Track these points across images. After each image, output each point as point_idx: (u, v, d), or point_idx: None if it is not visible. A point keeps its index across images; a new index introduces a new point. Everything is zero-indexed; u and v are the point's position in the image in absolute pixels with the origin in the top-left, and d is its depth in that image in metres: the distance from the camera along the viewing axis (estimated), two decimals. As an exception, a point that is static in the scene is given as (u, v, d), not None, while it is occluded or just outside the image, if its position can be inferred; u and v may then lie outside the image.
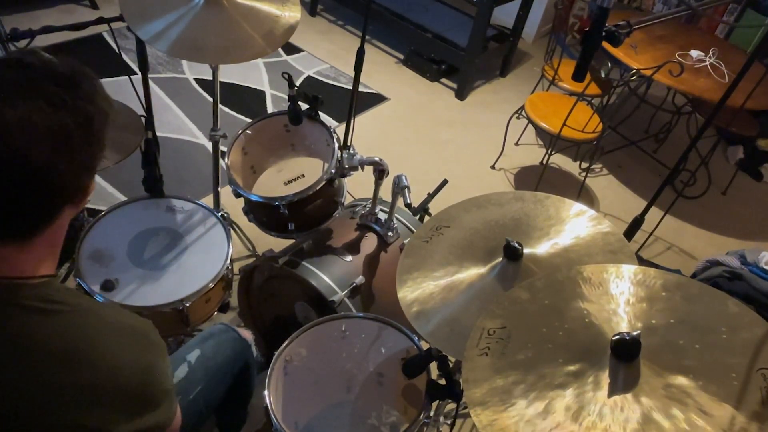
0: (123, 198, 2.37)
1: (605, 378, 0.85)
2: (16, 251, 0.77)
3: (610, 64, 2.81)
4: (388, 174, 1.67)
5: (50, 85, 0.74)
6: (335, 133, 1.70)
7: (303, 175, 1.75)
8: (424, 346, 1.39)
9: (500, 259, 1.21)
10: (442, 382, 1.23)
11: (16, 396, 0.74)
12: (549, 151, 2.93)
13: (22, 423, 0.75)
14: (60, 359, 0.76)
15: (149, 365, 0.85)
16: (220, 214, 1.74)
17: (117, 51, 2.94)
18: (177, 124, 2.95)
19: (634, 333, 0.85)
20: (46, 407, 0.75)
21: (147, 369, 0.84)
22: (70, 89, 0.75)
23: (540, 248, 1.23)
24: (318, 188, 1.62)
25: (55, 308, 0.78)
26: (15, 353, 0.75)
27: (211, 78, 1.83)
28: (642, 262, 2.70)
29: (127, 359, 0.82)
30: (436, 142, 3.28)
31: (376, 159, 1.64)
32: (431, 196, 2.07)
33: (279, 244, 1.84)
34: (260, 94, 3.32)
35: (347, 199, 1.81)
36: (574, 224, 1.28)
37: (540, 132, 3.48)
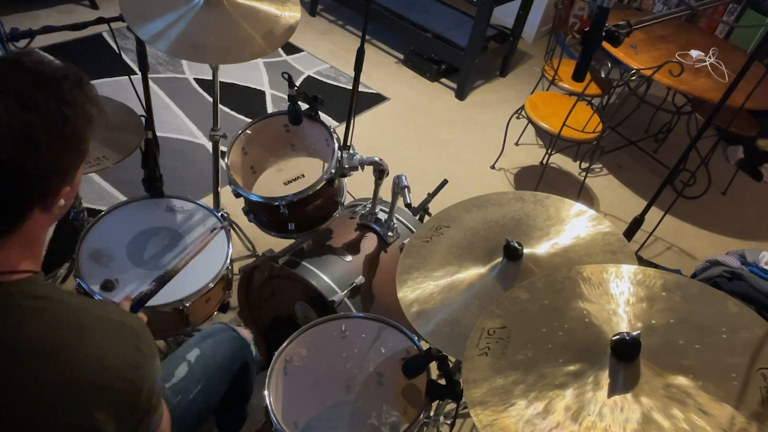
0: (123, 198, 2.37)
1: (605, 378, 0.85)
2: None
3: (610, 64, 2.81)
4: (388, 174, 1.67)
5: (26, 84, 0.74)
6: (335, 133, 1.70)
7: (303, 175, 1.75)
8: (424, 346, 1.39)
9: (500, 259, 1.21)
10: (442, 382, 1.23)
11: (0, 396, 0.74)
12: (549, 151, 2.93)
13: (9, 425, 0.74)
14: (43, 356, 0.75)
15: (136, 363, 0.83)
16: (220, 214, 1.74)
17: (117, 51, 2.95)
18: (177, 124, 2.95)
19: (634, 333, 0.85)
20: (31, 407, 0.75)
21: (134, 366, 0.82)
22: (46, 90, 0.75)
23: (540, 248, 1.23)
24: (318, 188, 1.62)
25: (38, 305, 0.78)
26: None
27: (211, 78, 1.83)
28: (642, 262, 2.70)
29: (113, 355, 0.80)
30: (436, 142, 3.28)
31: (376, 159, 1.64)
32: (431, 196, 2.07)
33: (279, 244, 1.84)
34: (260, 94, 3.32)
35: (347, 199, 1.81)
36: (574, 224, 1.28)
37: (540, 132, 3.48)
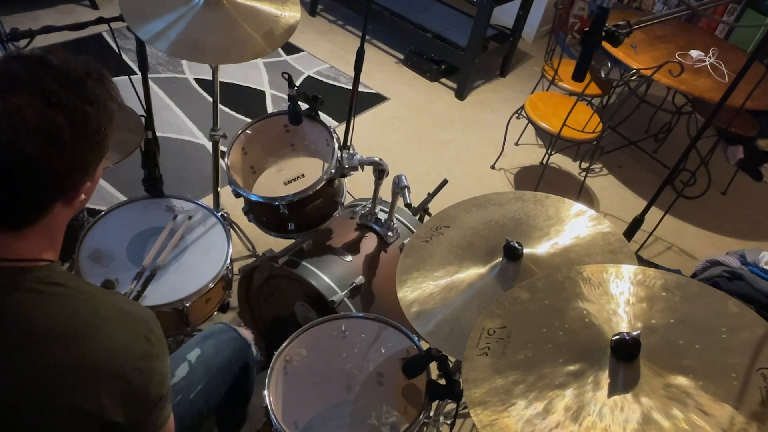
0: (123, 198, 2.37)
1: (605, 378, 0.85)
2: (12, 238, 0.79)
3: (610, 64, 2.81)
4: (388, 174, 1.67)
5: (51, 82, 0.75)
6: (335, 133, 1.70)
7: (303, 175, 1.75)
8: (424, 346, 1.39)
9: (500, 259, 1.21)
10: (442, 382, 1.23)
11: (12, 377, 0.76)
12: (549, 151, 2.93)
13: (19, 404, 0.76)
14: (57, 340, 0.77)
15: (147, 354, 0.85)
16: (220, 214, 1.74)
17: (117, 51, 2.95)
18: (177, 124, 2.95)
19: (634, 333, 0.85)
20: (42, 388, 0.76)
21: (143, 357, 0.84)
22: (70, 89, 0.76)
23: (540, 248, 1.23)
24: (318, 188, 1.62)
25: (55, 290, 0.80)
26: (12, 334, 0.76)
27: (211, 78, 1.83)
28: (642, 262, 2.70)
29: (123, 343, 0.82)
30: (436, 142, 3.28)
31: (376, 159, 1.64)
32: (431, 196, 2.07)
33: (279, 244, 1.84)
34: (260, 94, 3.32)
35: (347, 199, 1.81)
36: (574, 224, 1.28)
37: (540, 132, 3.48)
